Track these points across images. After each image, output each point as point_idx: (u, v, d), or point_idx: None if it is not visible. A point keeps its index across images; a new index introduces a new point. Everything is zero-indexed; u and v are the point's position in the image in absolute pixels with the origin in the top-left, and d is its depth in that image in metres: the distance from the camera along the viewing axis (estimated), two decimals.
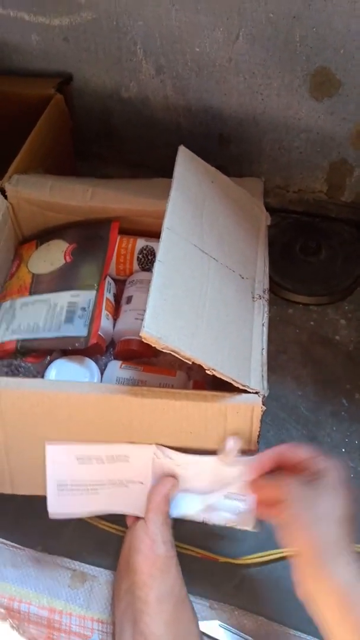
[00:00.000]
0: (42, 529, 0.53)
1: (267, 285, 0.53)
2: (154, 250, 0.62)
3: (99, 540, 0.54)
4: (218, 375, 0.43)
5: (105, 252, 0.59)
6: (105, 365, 0.56)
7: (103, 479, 0.48)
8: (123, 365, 0.55)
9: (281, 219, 0.77)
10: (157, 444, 0.48)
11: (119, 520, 0.51)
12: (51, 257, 0.61)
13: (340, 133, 0.68)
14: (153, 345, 0.40)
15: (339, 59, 0.61)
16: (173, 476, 0.48)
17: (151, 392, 0.46)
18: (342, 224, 0.76)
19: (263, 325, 0.49)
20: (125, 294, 0.60)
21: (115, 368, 0.55)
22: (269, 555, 0.54)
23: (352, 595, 0.38)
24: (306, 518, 0.41)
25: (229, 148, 0.74)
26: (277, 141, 0.71)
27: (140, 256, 0.62)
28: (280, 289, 0.70)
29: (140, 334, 0.40)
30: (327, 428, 0.60)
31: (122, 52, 0.68)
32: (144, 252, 0.62)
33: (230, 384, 0.44)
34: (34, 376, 0.54)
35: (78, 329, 0.54)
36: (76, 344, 0.53)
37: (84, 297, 0.56)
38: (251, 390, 0.44)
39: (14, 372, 0.54)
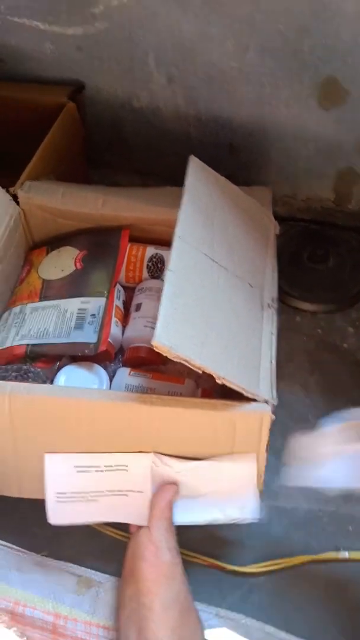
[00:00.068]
0: (48, 534, 0.53)
1: (275, 294, 0.53)
2: (163, 258, 0.62)
3: (105, 546, 0.54)
4: (228, 385, 0.43)
5: (116, 259, 0.60)
6: (114, 372, 0.57)
7: (102, 488, 0.49)
8: (132, 372, 0.55)
9: (289, 227, 0.77)
10: (155, 452, 0.48)
11: (124, 526, 0.51)
12: (62, 263, 0.61)
13: (347, 142, 0.69)
14: (164, 355, 0.41)
15: (346, 69, 0.62)
16: (173, 483, 0.49)
17: (161, 400, 0.46)
18: (349, 231, 0.77)
19: (272, 334, 0.50)
20: (135, 302, 0.61)
21: (124, 375, 0.55)
22: (276, 564, 0.54)
23: None
24: None
25: (238, 157, 0.74)
26: (285, 150, 0.72)
27: (149, 264, 0.62)
28: (288, 296, 0.71)
29: (152, 343, 0.40)
30: None
31: (134, 62, 0.69)
32: (154, 260, 0.62)
33: (239, 392, 0.44)
34: (43, 381, 0.54)
35: (88, 336, 0.54)
36: (86, 351, 0.53)
37: (94, 304, 0.57)
38: (260, 400, 0.45)
39: (23, 377, 0.55)
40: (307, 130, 0.68)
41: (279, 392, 0.46)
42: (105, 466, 0.48)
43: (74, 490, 0.49)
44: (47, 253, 0.63)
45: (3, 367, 0.55)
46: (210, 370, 0.42)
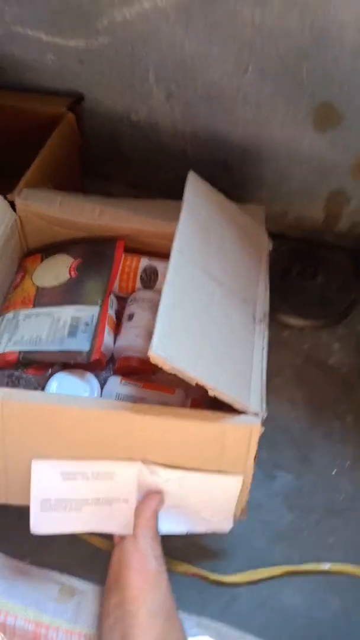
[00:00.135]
0: (32, 541, 0.52)
1: (267, 309, 0.55)
2: (156, 269, 0.63)
3: (89, 555, 0.55)
4: (219, 397, 0.44)
5: (110, 269, 0.61)
6: (105, 380, 0.57)
7: (87, 497, 0.49)
8: (123, 381, 0.56)
9: (280, 243, 0.79)
10: (143, 460, 0.48)
11: (108, 534, 0.51)
12: (56, 271, 0.62)
13: (340, 164, 0.71)
14: (160, 365, 0.42)
15: (342, 94, 0.63)
16: (158, 492, 0.49)
17: (153, 409, 0.47)
18: (338, 251, 0.79)
19: (263, 348, 0.51)
20: (127, 311, 0.61)
21: (116, 383, 0.56)
22: (258, 574, 0.55)
23: None
24: None
25: (232, 174, 0.76)
26: (278, 170, 0.74)
27: (143, 275, 0.63)
28: (276, 312, 0.72)
29: (148, 354, 0.41)
30: (319, 450, 0.62)
31: (135, 77, 0.70)
32: (147, 271, 0.63)
33: (228, 403, 0.45)
34: (35, 388, 0.55)
35: (81, 344, 0.55)
36: (78, 358, 0.54)
37: (87, 313, 0.57)
38: (250, 412, 0.46)
39: (14, 383, 0.55)
40: (301, 151, 0.70)
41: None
42: (92, 473, 0.48)
43: (58, 498, 0.49)
44: (42, 260, 0.64)
45: None
46: (203, 382, 0.43)
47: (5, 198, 0.61)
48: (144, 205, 0.64)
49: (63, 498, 0.49)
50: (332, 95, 0.64)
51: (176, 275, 0.47)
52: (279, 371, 0.68)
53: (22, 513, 0.50)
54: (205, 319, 0.48)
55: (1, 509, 0.51)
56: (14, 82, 0.75)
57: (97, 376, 0.57)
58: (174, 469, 0.48)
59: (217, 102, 0.69)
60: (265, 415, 0.46)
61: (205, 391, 0.44)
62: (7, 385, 0.54)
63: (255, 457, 0.47)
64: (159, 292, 0.61)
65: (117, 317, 0.61)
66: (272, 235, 0.62)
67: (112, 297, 0.61)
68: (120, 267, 0.63)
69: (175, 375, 0.43)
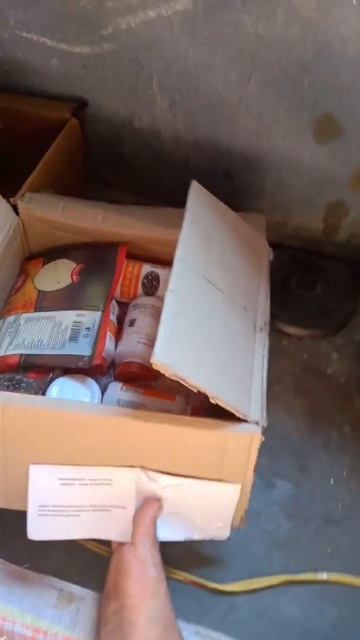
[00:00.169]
0: (30, 546, 0.52)
1: (268, 318, 0.55)
2: (158, 276, 0.63)
3: (88, 561, 0.54)
4: (221, 405, 0.44)
5: (113, 275, 0.61)
6: (105, 386, 0.57)
7: (85, 503, 0.49)
8: (124, 387, 0.56)
9: (279, 252, 0.80)
10: (142, 467, 0.48)
11: (107, 541, 0.51)
12: (58, 275, 0.62)
13: (340, 176, 0.71)
14: (163, 373, 0.42)
15: (343, 107, 0.64)
16: (157, 499, 0.49)
17: (154, 416, 0.47)
18: (337, 261, 0.79)
19: (264, 357, 0.51)
20: (129, 317, 0.61)
21: (116, 389, 0.56)
22: (256, 583, 0.55)
23: None
24: None
25: (232, 183, 0.77)
26: (279, 180, 0.74)
27: (145, 281, 0.63)
28: (275, 320, 0.73)
29: (151, 361, 0.41)
30: (317, 459, 0.62)
31: (139, 84, 0.71)
32: (149, 277, 0.63)
33: (228, 411, 0.45)
34: (36, 392, 0.54)
35: (82, 348, 0.55)
36: (80, 363, 0.54)
37: (89, 317, 0.57)
38: (251, 420, 0.46)
39: (15, 387, 0.55)
40: (302, 162, 0.71)
41: None
42: (90, 479, 0.48)
43: (56, 504, 0.49)
44: (44, 264, 0.64)
45: None
46: (205, 389, 0.43)
47: (8, 201, 0.61)
48: (146, 212, 0.65)
49: (61, 504, 0.49)
50: (333, 108, 0.65)
51: (179, 283, 0.47)
52: (278, 380, 0.68)
53: (21, 518, 0.49)
54: (207, 327, 0.48)
55: (0, 513, 0.51)
56: (18, 86, 0.76)
57: (97, 381, 0.57)
58: (173, 476, 0.48)
59: (219, 112, 0.70)
60: (266, 424, 0.46)
61: (206, 398, 0.44)
62: (7, 389, 0.54)
63: (255, 465, 0.48)
64: (161, 298, 0.62)
65: (118, 323, 0.62)
66: (272, 245, 0.63)
67: (113, 302, 0.61)
68: (122, 273, 0.63)
69: (176, 382, 0.43)
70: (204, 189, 0.58)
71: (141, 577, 0.46)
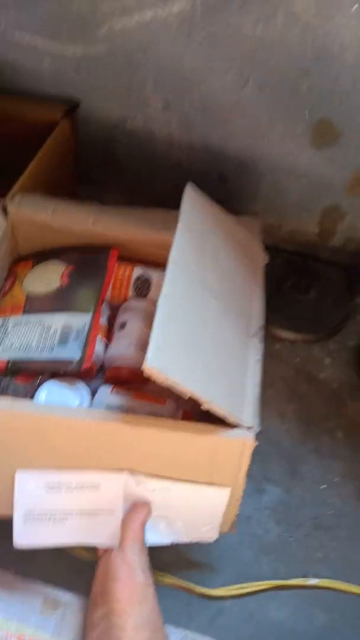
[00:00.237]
0: (16, 551, 0.52)
1: (262, 323, 0.55)
2: (150, 278, 0.63)
3: (74, 566, 0.54)
4: (213, 411, 0.44)
5: (104, 277, 0.60)
6: (95, 389, 0.57)
7: (72, 508, 0.48)
8: (114, 390, 0.55)
9: (274, 256, 0.79)
10: (131, 470, 0.48)
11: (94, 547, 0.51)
12: (48, 277, 0.61)
13: (336, 180, 0.71)
14: (155, 379, 0.41)
15: (341, 112, 0.64)
16: (146, 503, 0.49)
17: (144, 421, 0.46)
18: (331, 266, 0.79)
19: (257, 362, 0.51)
20: (119, 320, 0.61)
21: (106, 393, 0.55)
22: (244, 588, 0.54)
23: None
24: None
25: (227, 186, 0.76)
26: (274, 183, 0.74)
27: (136, 284, 0.63)
28: (269, 324, 0.72)
29: (143, 367, 0.41)
30: (309, 464, 0.62)
31: (132, 85, 0.70)
32: (140, 280, 0.63)
33: (220, 416, 0.45)
34: (24, 396, 0.54)
35: (72, 352, 0.54)
36: (69, 367, 0.53)
37: (79, 320, 0.57)
38: (244, 426, 0.45)
39: (2, 391, 0.54)
40: (298, 166, 0.71)
41: None
42: (77, 484, 0.48)
43: (42, 509, 0.48)
44: (33, 266, 0.63)
45: None
46: (197, 395, 0.43)
47: None
48: (138, 213, 0.64)
49: (47, 509, 0.48)
50: (331, 112, 0.65)
51: (172, 288, 0.47)
52: (270, 384, 0.68)
53: (6, 524, 0.49)
54: (200, 332, 0.48)
55: None
56: (9, 86, 0.75)
57: (87, 384, 0.56)
58: (161, 479, 0.48)
59: (214, 114, 0.69)
60: (258, 430, 0.46)
61: (197, 403, 0.44)
62: None
63: (247, 471, 0.47)
64: (152, 301, 0.61)
65: (108, 326, 0.61)
66: (267, 247, 0.62)
67: (104, 305, 0.61)
68: (113, 276, 0.62)
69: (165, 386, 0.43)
70: (200, 192, 0.58)
71: (130, 581, 0.45)
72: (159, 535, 0.50)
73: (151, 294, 0.62)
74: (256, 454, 0.60)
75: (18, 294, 0.61)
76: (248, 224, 0.62)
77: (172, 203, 0.55)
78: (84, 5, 0.64)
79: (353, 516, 0.59)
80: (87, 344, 0.55)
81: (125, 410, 0.54)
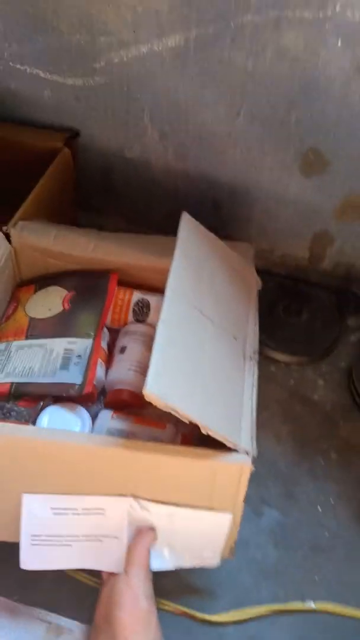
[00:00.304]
0: (19, 578, 0.52)
1: (257, 347, 0.56)
2: (149, 303, 0.64)
3: (77, 592, 0.54)
4: (212, 435, 0.45)
5: (104, 302, 0.61)
6: (96, 413, 0.57)
7: (77, 533, 0.49)
8: (114, 415, 0.56)
9: (266, 280, 0.81)
10: (134, 495, 0.48)
11: (97, 572, 0.51)
12: (49, 302, 0.62)
13: (325, 207, 0.74)
14: (154, 404, 0.42)
15: (329, 142, 0.67)
16: (151, 529, 0.49)
17: (145, 446, 0.47)
18: (322, 289, 0.81)
19: (253, 385, 0.52)
20: (119, 344, 0.62)
21: (107, 418, 0.56)
22: (245, 613, 0.55)
23: None
24: None
25: (220, 212, 0.78)
26: (266, 210, 0.76)
27: (135, 308, 0.64)
28: (263, 347, 0.74)
29: (143, 392, 0.42)
30: (304, 485, 0.63)
31: (130, 115, 0.73)
32: (140, 304, 0.64)
33: (219, 440, 0.46)
34: (26, 421, 0.54)
35: (73, 376, 0.55)
36: (71, 391, 0.54)
37: (80, 345, 0.58)
38: (241, 450, 0.46)
39: (5, 415, 0.55)
40: (288, 193, 0.73)
41: None
42: (83, 509, 0.48)
43: (49, 533, 0.49)
44: (35, 291, 0.64)
45: None
46: (197, 420, 0.44)
47: (1, 230, 0.62)
48: (137, 240, 0.66)
49: (53, 533, 0.49)
50: (319, 142, 0.67)
51: (170, 313, 0.48)
52: (266, 406, 0.69)
53: (10, 550, 0.49)
54: (198, 357, 0.49)
55: None
56: (11, 115, 0.77)
57: (88, 409, 0.57)
58: (165, 505, 0.49)
59: (208, 144, 0.72)
60: (255, 454, 0.47)
61: (196, 426, 0.45)
62: None
63: (245, 495, 0.48)
64: (151, 325, 0.63)
65: (108, 350, 0.62)
66: (259, 271, 0.64)
67: (104, 329, 0.62)
68: (113, 300, 0.63)
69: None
70: (194, 220, 0.60)
71: (133, 608, 0.46)
72: (162, 560, 0.51)
73: (150, 318, 0.64)
74: (253, 476, 0.61)
75: (21, 318, 0.62)
76: (242, 250, 0.64)
77: (170, 228, 0.57)
78: (83, 39, 0.66)
79: (348, 537, 0.60)
80: (88, 368, 0.56)
81: (126, 434, 0.55)
